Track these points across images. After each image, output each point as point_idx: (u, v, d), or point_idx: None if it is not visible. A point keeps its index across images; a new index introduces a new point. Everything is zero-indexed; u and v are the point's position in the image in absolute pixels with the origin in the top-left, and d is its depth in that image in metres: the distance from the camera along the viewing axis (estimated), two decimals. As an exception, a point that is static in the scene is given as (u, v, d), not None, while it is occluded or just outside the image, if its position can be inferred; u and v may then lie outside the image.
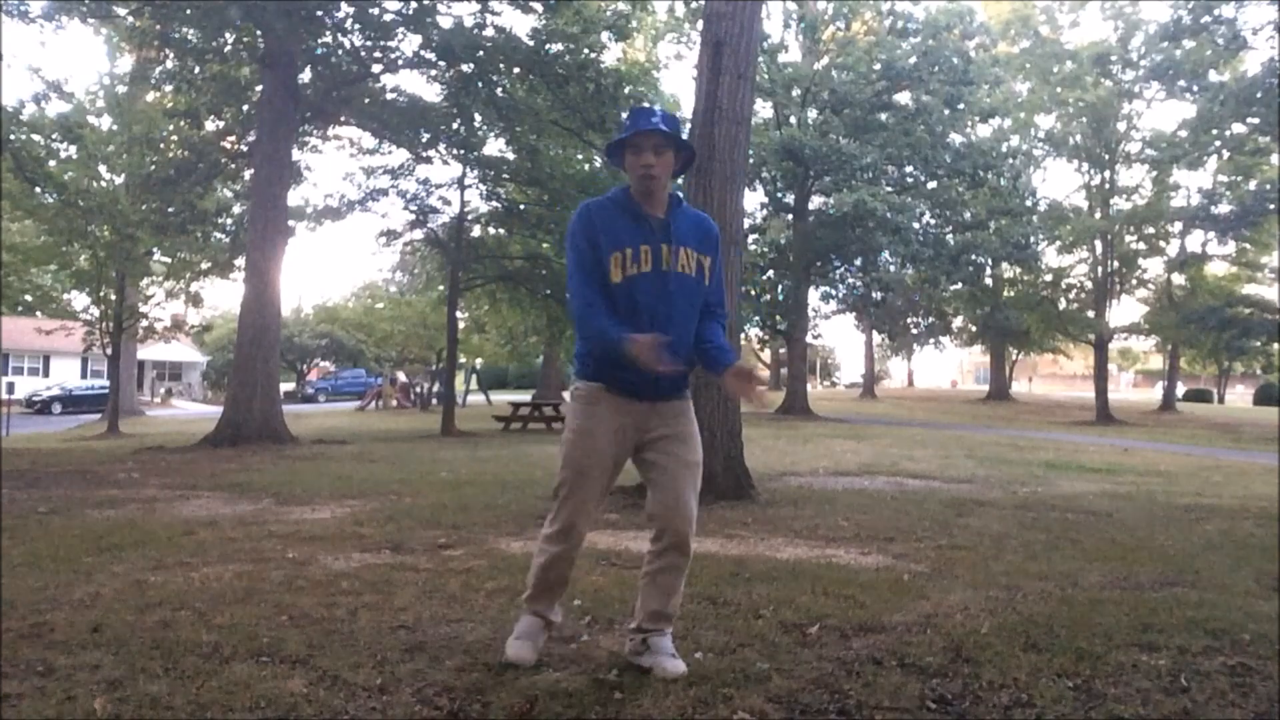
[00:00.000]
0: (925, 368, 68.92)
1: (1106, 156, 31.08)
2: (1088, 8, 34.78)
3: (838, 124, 24.73)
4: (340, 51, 15.95)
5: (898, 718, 2.40)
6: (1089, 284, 32.72)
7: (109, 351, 22.04)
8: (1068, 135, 31.32)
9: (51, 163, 17.25)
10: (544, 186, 18.05)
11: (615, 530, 5.47)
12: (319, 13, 14.38)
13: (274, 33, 13.77)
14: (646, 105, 2.87)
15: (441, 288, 23.12)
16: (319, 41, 15.54)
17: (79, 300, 27.30)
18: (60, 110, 17.42)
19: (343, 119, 17.46)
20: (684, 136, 2.77)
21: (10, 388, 23.09)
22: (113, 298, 21.41)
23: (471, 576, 4.08)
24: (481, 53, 14.98)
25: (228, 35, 15.35)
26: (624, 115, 2.79)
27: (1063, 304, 33.22)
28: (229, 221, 19.95)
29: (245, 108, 17.09)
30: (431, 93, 27.93)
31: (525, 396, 30.54)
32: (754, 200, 27.05)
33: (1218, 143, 26.66)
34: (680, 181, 4.43)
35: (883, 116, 24.89)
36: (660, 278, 2.67)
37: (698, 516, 2.78)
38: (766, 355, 47.12)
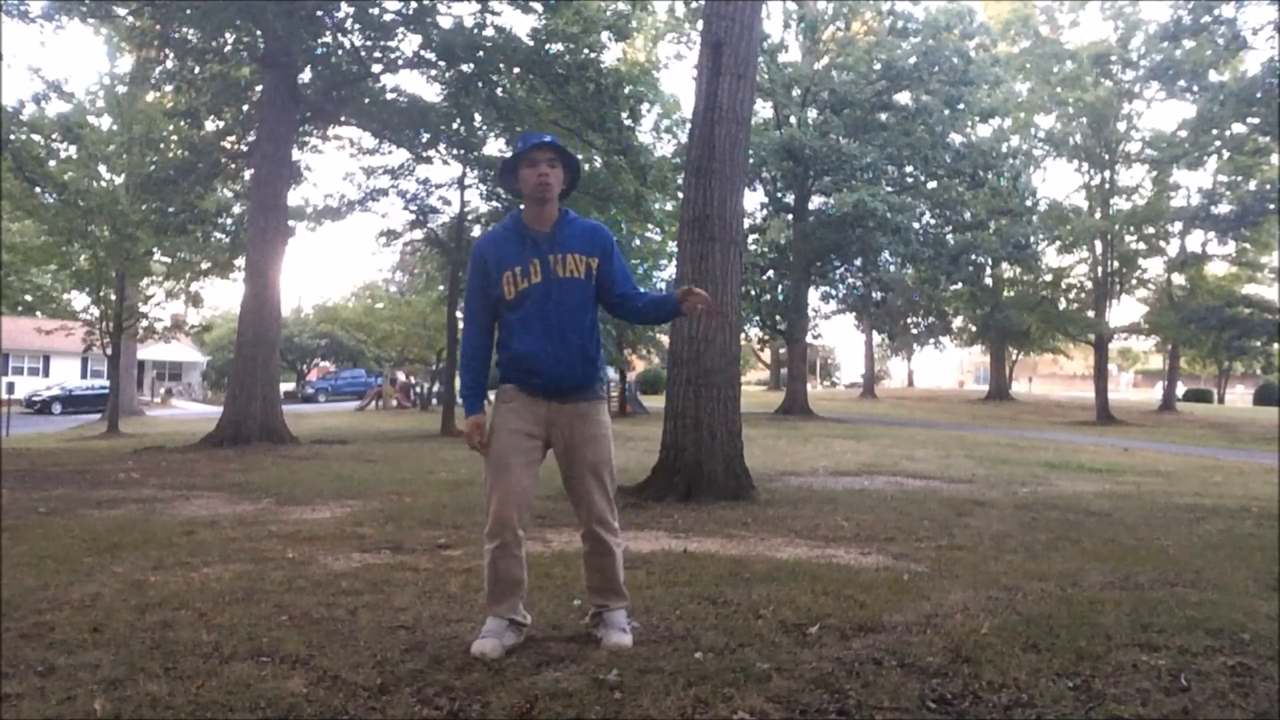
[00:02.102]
0: (925, 368, 68.94)
1: (1106, 156, 31.08)
2: (1088, 8, 34.78)
3: (838, 124, 24.72)
4: (340, 51, 15.94)
5: (898, 718, 2.40)
6: (1089, 284, 32.73)
7: (109, 351, 22.05)
8: (1068, 135, 31.33)
9: (51, 163, 17.26)
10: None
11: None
12: (319, 13, 14.38)
13: (274, 33, 13.77)
14: (530, 132, 3.35)
15: (441, 288, 23.12)
16: (319, 41, 15.53)
17: (79, 300, 27.35)
18: (60, 110, 17.44)
19: (343, 119, 17.45)
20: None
21: (10, 388, 23.08)
22: (113, 298, 21.42)
23: (471, 576, 4.08)
24: (481, 53, 14.97)
25: (228, 35, 15.34)
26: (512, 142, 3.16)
27: (1063, 304, 33.23)
28: (229, 221, 19.94)
29: (245, 108, 17.08)
30: (431, 93, 28.00)
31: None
32: (754, 200, 27.09)
33: (1218, 143, 26.66)
34: (680, 181, 4.43)
35: (883, 116, 24.89)
36: (548, 285, 2.96)
37: (612, 508, 3.08)
38: (767, 355, 47.13)
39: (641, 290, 3.16)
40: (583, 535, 3.09)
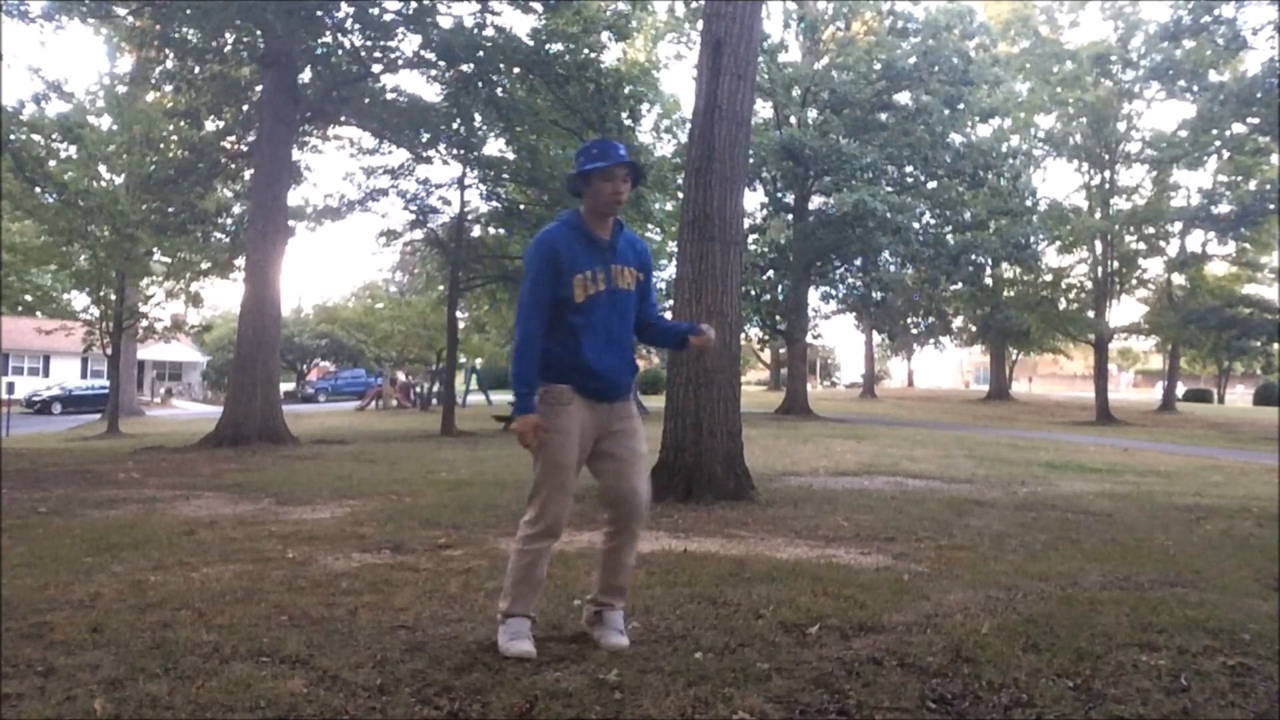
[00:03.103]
0: (925, 368, 68.91)
1: (1106, 156, 31.08)
2: (1088, 8, 34.75)
3: (838, 124, 24.72)
4: (340, 51, 15.95)
5: (898, 718, 2.40)
6: (1089, 284, 32.72)
7: (109, 351, 22.05)
8: (1068, 135, 31.32)
9: (51, 163, 17.27)
10: (544, 186, 18.05)
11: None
12: (319, 13, 14.38)
13: (274, 33, 13.77)
14: (608, 140, 3.24)
15: (441, 288, 23.12)
16: (319, 41, 15.54)
17: (79, 300, 27.35)
18: (60, 110, 17.45)
19: (343, 119, 17.46)
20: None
21: (10, 388, 23.09)
22: (113, 298, 21.42)
23: (471, 576, 4.08)
24: (481, 53, 14.98)
25: (228, 35, 15.35)
26: (585, 147, 3.15)
27: (1063, 304, 33.21)
28: (229, 221, 19.95)
29: (245, 108, 17.09)
30: (431, 93, 27.93)
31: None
32: (754, 200, 27.07)
33: (1218, 143, 26.66)
34: (680, 181, 4.45)
35: (883, 116, 24.88)
36: (612, 295, 3.02)
37: (647, 507, 3.12)
38: (767, 355, 47.12)
39: (658, 315, 3.26)
40: (615, 531, 3.06)
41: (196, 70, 16.21)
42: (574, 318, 2.96)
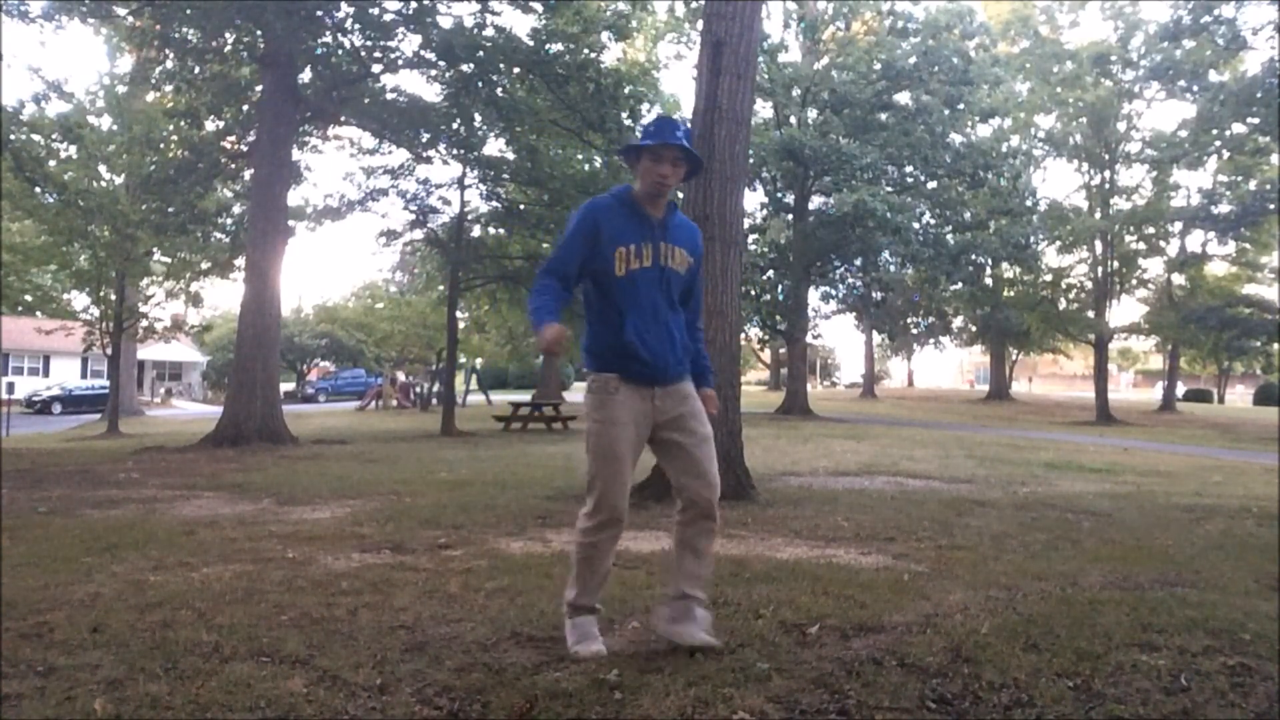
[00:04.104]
0: (925, 368, 68.95)
1: (1106, 156, 31.08)
2: (1088, 8, 34.80)
3: (838, 124, 24.73)
4: (340, 51, 15.94)
5: (898, 718, 2.40)
6: (1089, 284, 32.73)
7: (109, 351, 22.06)
8: (1068, 135, 31.33)
9: (51, 163, 17.28)
10: (544, 186, 18.05)
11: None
12: (319, 13, 14.38)
13: (274, 33, 13.77)
14: (672, 118, 3.08)
15: (441, 288, 23.13)
16: (319, 41, 15.53)
17: (79, 300, 27.33)
18: (60, 110, 17.47)
19: (343, 119, 17.46)
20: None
21: (10, 388, 23.10)
22: (113, 298, 21.42)
23: (471, 576, 4.08)
24: (481, 53, 14.97)
25: (228, 35, 15.35)
26: (645, 121, 3.10)
27: (1063, 304, 33.23)
28: (229, 221, 19.95)
29: (245, 108, 17.09)
30: (431, 93, 27.97)
31: (525, 396, 30.52)
32: (754, 200, 27.09)
33: (1218, 143, 26.66)
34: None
35: (883, 116, 24.88)
36: (661, 273, 2.91)
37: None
38: (767, 355, 47.12)
39: (701, 337, 3.15)
40: (688, 520, 2.96)
41: (196, 70, 16.22)
42: (616, 294, 2.86)
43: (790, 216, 27.07)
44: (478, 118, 17.24)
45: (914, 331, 47.39)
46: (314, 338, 44.07)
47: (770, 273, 27.65)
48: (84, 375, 41.02)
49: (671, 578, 3.01)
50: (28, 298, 28.25)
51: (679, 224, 3.01)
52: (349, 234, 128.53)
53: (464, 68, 15.40)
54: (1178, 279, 32.38)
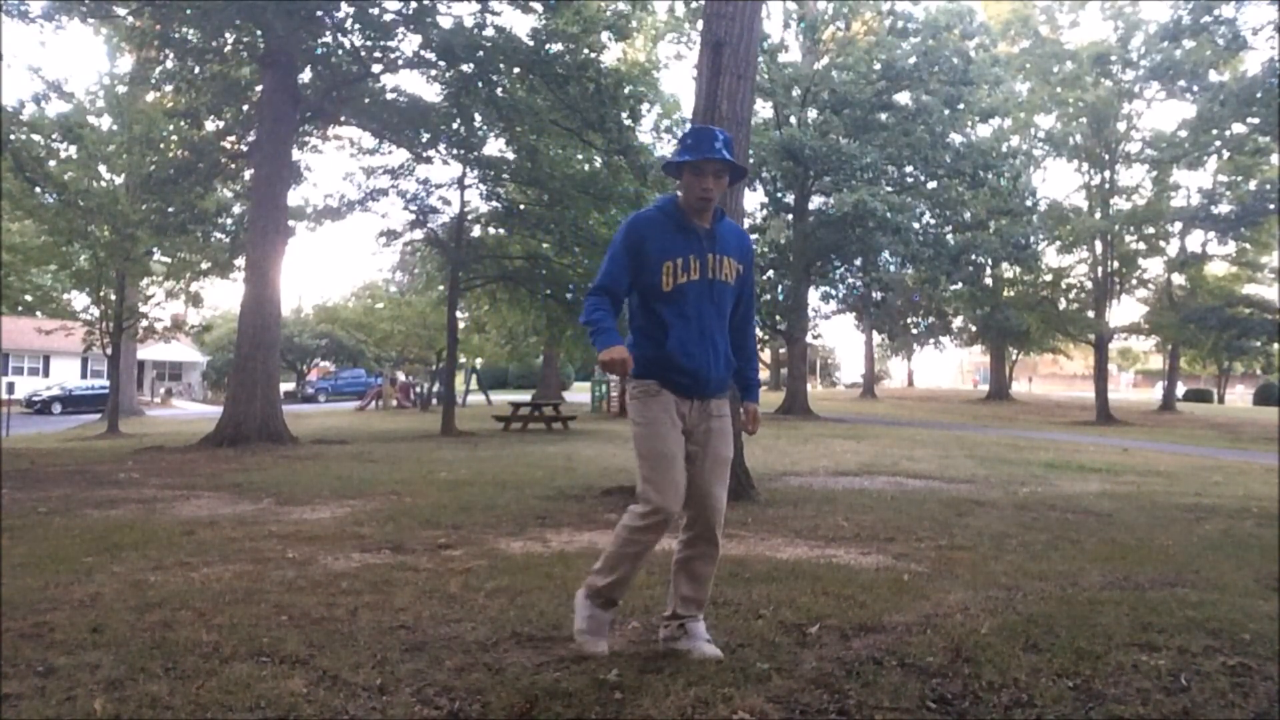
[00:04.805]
0: (925, 368, 68.94)
1: (1106, 156, 31.09)
2: (1088, 8, 34.83)
3: (838, 124, 24.73)
4: (340, 51, 15.94)
5: (898, 718, 2.40)
6: (1089, 284, 32.74)
7: (109, 351, 22.05)
8: (1068, 135, 31.33)
9: (51, 163, 17.26)
10: (544, 186, 18.03)
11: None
12: (319, 13, 14.37)
13: (274, 33, 13.77)
14: (710, 128, 3.05)
15: (441, 288, 23.10)
16: (319, 41, 15.53)
17: (79, 300, 27.34)
18: (60, 110, 17.45)
19: (343, 119, 17.45)
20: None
21: (10, 388, 23.10)
22: (113, 298, 21.42)
23: (471, 576, 4.08)
24: (481, 53, 14.97)
25: (228, 35, 15.35)
26: (686, 134, 3.04)
27: (1063, 304, 33.24)
28: (229, 221, 19.94)
29: (245, 108, 17.09)
30: (431, 93, 27.99)
31: (525, 396, 30.53)
32: (754, 200, 27.09)
33: (1218, 143, 26.66)
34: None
35: (883, 116, 24.89)
36: (707, 286, 2.89)
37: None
38: (767, 355, 47.12)
39: (754, 352, 3.14)
40: (691, 539, 2.90)
41: (196, 70, 16.21)
42: (662, 308, 2.85)
43: (790, 216, 27.08)
44: (478, 118, 17.23)
45: (914, 331, 47.37)
46: (314, 338, 44.04)
47: (770, 273, 27.66)
48: (84, 375, 41.03)
49: (668, 598, 2.99)
50: (28, 298, 28.28)
51: (726, 231, 2.99)
52: (349, 234, 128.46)
53: (464, 68, 15.39)
54: (1178, 279, 32.39)
